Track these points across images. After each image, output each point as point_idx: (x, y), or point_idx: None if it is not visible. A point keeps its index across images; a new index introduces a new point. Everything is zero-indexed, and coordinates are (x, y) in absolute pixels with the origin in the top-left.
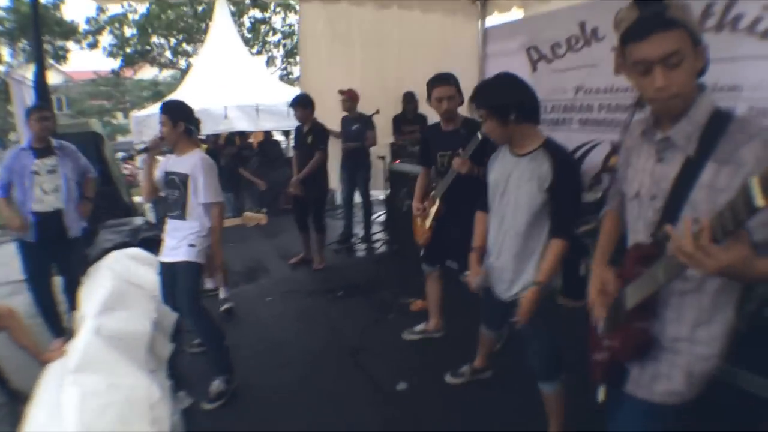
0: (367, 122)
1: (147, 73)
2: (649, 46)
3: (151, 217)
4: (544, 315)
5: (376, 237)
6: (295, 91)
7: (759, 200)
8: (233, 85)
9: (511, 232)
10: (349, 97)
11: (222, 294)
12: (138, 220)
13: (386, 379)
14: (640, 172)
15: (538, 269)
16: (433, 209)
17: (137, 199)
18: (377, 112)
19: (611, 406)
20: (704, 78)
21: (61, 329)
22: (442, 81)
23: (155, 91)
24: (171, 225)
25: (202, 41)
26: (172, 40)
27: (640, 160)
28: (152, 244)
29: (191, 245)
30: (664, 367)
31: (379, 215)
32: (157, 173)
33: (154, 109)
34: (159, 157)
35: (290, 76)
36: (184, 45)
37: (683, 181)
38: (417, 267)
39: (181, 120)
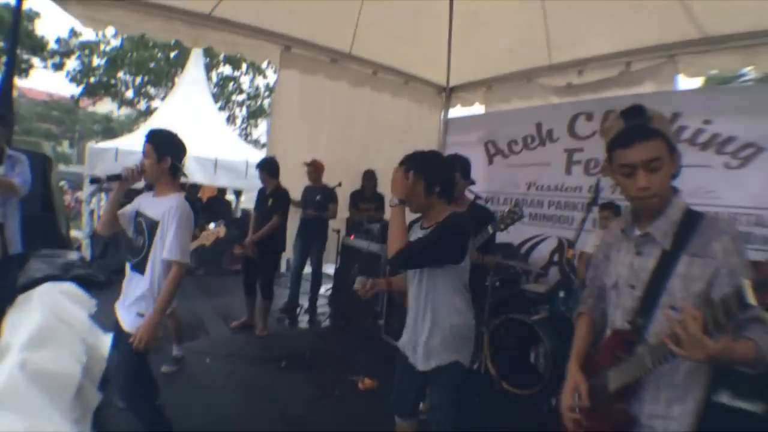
0: (330, 194)
1: (104, 106)
2: (633, 152)
3: (87, 254)
4: (457, 389)
5: (321, 310)
6: (257, 152)
7: (751, 299)
8: (195, 135)
9: (429, 305)
10: (315, 168)
11: (174, 351)
12: (72, 255)
13: None
14: (619, 265)
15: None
16: None
17: (74, 233)
18: (340, 185)
19: None
20: None
21: None
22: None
23: (107, 126)
24: (129, 273)
25: (169, 86)
26: (138, 79)
27: (620, 254)
28: (84, 282)
29: (140, 314)
30: None
31: (327, 289)
32: (129, 208)
33: (111, 143)
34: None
35: (248, 137)
36: (149, 87)
37: (660, 271)
38: (364, 345)
39: (168, 155)
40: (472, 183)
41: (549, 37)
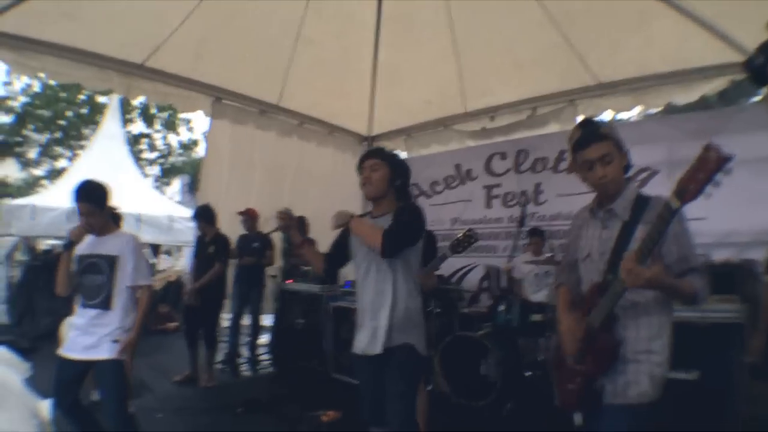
0: (266, 241)
1: (6, 169)
2: (590, 151)
3: (4, 319)
4: (414, 375)
5: (261, 358)
6: (178, 207)
7: (675, 203)
8: (115, 190)
9: (390, 288)
10: (250, 217)
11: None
12: None
13: None
14: (590, 239)
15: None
16: None
17: None
18: (276, 230)
19: (590, 425)
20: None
21: None
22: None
23: (3, 191)
24: (88, 316)
25: (80, 145)
26: (45, 137)
27: (588, 231)
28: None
29: (115, 341)
30: (632, 375)
31: (262, 337)
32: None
33: (27, 200)
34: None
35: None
36: (56, 146)
37: (623, 238)
38: (315, 384)
39: (105, 202)
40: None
41: (463, 88)
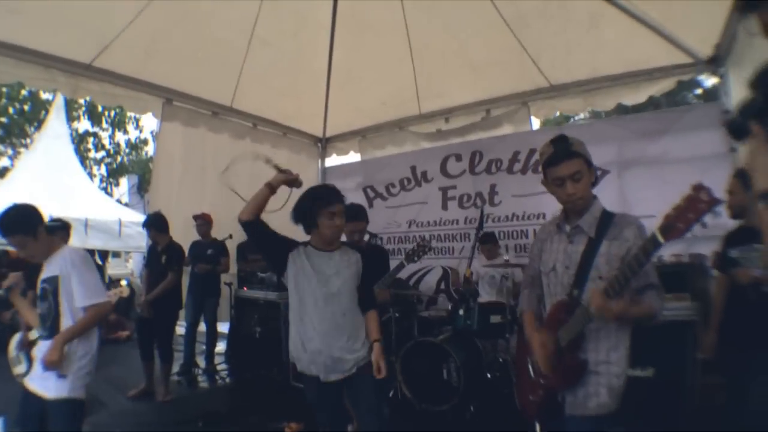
0: (221, 248)
1: None
2: (561, 168)
3: None
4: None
5: (219, 367)
6: (128, 211)
7: (661, 238)
8: (60, 193)
9: (338, 314)
10: (205, 221)
11: None
12: None
13: None
14: (555, 253)
15: (367, 336)
16: None
17: None
18: (230, 237)
19: None
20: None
21: None
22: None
23: None
24: (42, 347)
25: (23, 143)
26: None
27: (553, 245)
28: None
29: (61, 376)
30: (591, 387)
31: (219, 345)
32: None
33: None
34: None
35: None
36: None
37: (588, 253)
38: (276, 394)
39: (36, 227)
40: (366, 223)
41: (418, 90)
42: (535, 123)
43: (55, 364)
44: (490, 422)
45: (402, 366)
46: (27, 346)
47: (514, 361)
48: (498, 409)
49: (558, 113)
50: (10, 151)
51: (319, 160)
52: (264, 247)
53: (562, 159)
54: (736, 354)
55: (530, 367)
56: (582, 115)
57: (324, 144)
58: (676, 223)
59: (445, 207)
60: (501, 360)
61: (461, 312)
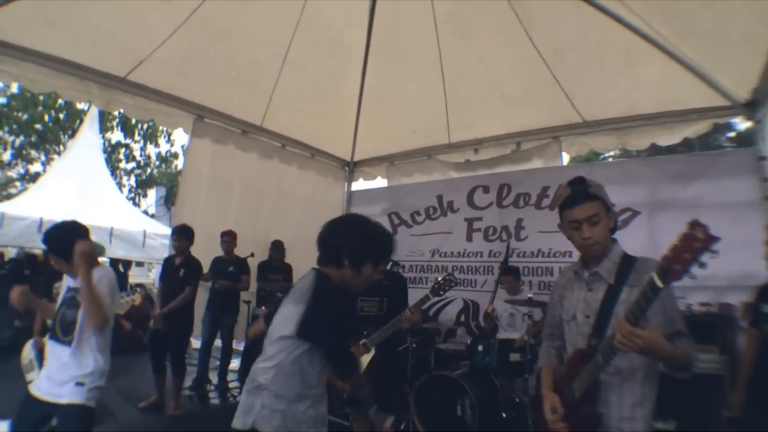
0: (242, 265)
1: None
2: (577, 211)
3: None
4: None
5: (231, 385)
6: (153, 223)
7: (659, 282)
8: (88, 202)
9: None
10: (232, 238)
11: None
12: None
13: None
14: (575, 301)
15: None
16: (367, 358)
17: None
18: (252, 255)
19: None
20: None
21: None
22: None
23: None
24: (57, 353)
25: (56, 149)
26: (18, 141)
27: (573, 292)
28: None
29: (79, 384)
30: None
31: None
32: (61, 295)
33: None
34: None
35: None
36: (31, 149)
37: (608, 301)
38: None
39: (70, 247)
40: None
41: (448, 119)
42: (566, 158)
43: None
44: None
45: (416, 398)
46: (40, 350)
47: (531, 402)
48: None
49: (589, 150)
50: (43, 157)
51: (346, 184)
52: None
53: (579, 201)
54: (764, 412)
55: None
56: (612, 153)
57: (351, 168)
58: (673, 265)
59: (470, 238)
60: (518, 400)
61: (480, 347)
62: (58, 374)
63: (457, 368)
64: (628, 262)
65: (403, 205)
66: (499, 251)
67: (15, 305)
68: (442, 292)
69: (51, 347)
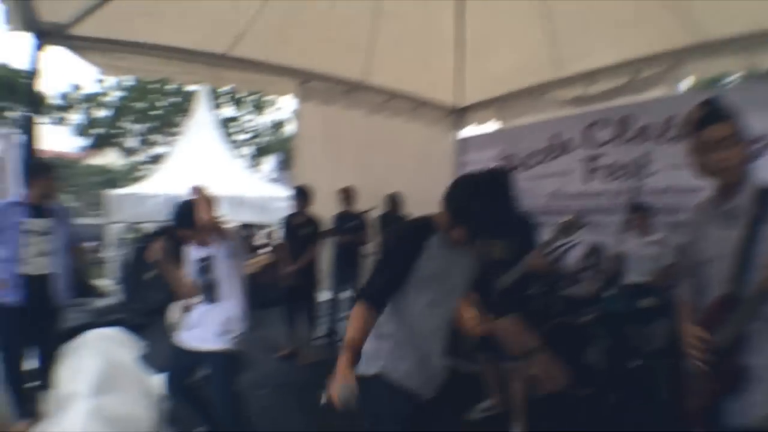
0: (362, 220)
1: (108, 157)
2: (710, 131)
3: (118, 298)
4: None
5: None
6: (274, 188)
7: None
8: (213, 174)
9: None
10: (349, 195)
11: None
12: (103, 301)
13: None
14: (710, 240)
15: None
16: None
17: (97, 281)
18: (371, 209)
19: None
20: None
21: (26, 410)
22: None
23: (107, 177)
24: (200, 309)
25: (174, 132)
26: (141, 127)
27: (708, 229)
28: (121, 326)
29: (225, 332)
30: (759, 396)
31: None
32: (190, 257)
33: (129, 190)
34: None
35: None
36: (153, 134)
37: (748, 239)
38: None
39: (196, 220)
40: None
41: (558, 52)
42: (688, 85)
43: None
44: (631, 416)
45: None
46: (187, 310)
47: (663, 351)
48: (641, 402)
49: (714, 73)
50: (164, 140)
51: (455, 132)
52: None
53: (712, 121)
54: None
55: (687, 365)
56: (739, 75)
57: (460, 114)
58: None
59: (591, 178)
60: (648, 349)
61: (607, 293)
62: (205, 328)
63: (584, 315)
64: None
65: (517, 149)
66: (624, 190)
67: (151, 257)
68: (566, 235)
69: (197, 307)
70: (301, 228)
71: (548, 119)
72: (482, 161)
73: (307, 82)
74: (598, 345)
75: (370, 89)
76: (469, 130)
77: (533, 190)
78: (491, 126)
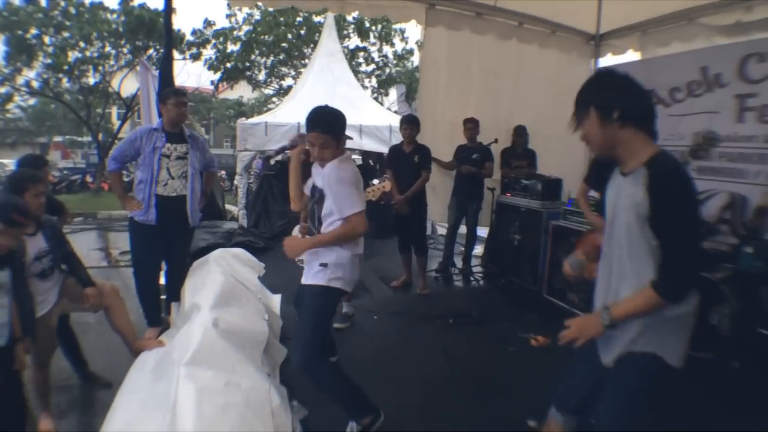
0: (486, 152)
1: (239, 91)
2: None
3: (244, 222)
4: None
5: (474, 270)
6: (397, 118)
7: None
8: (337, 103)
9: (617, 272)
10: (475, 125)
11: (344, 308)
12: (231, 225)
13: (516, 415)
14: None
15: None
16: None
17: (228, 206)
18: (496, 141)
19: None
20: None
21: (157, 319)
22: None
23: (239, 110)
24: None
25: (302, 64)
26: (270, 60)
27: None
28: (245, 248)
29: (323, 265)
30: None
31: (476, 249)
32: (309, 182)
33: (260, 119)
34: None
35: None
36: (281, 66)
37: None
38: (526, 304)
39: (342, 133)
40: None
41: None
42: None
43: (293, 255)
44: (757, 386)
45: None
46: (303, 234)
47: None
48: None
49: None
50: (292, 72)
51: (592, 60)
52: None
53: None
54: None
55: None
56: None
57: (598, 41)
58: None
59: (741, 119)
60: None
61: (748, 249)
62: (310, 259)
63: (718, 271)
64: None
65: (659, 81)
66: None
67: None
68: (702, 153)
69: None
70: (410, 156)
71: (696, 50)
72: None
73: (434, 6)
74: (727, 306)
75: (501, 12)
76: (606, 61)
77: (675, 128)
78: (630, 56)
